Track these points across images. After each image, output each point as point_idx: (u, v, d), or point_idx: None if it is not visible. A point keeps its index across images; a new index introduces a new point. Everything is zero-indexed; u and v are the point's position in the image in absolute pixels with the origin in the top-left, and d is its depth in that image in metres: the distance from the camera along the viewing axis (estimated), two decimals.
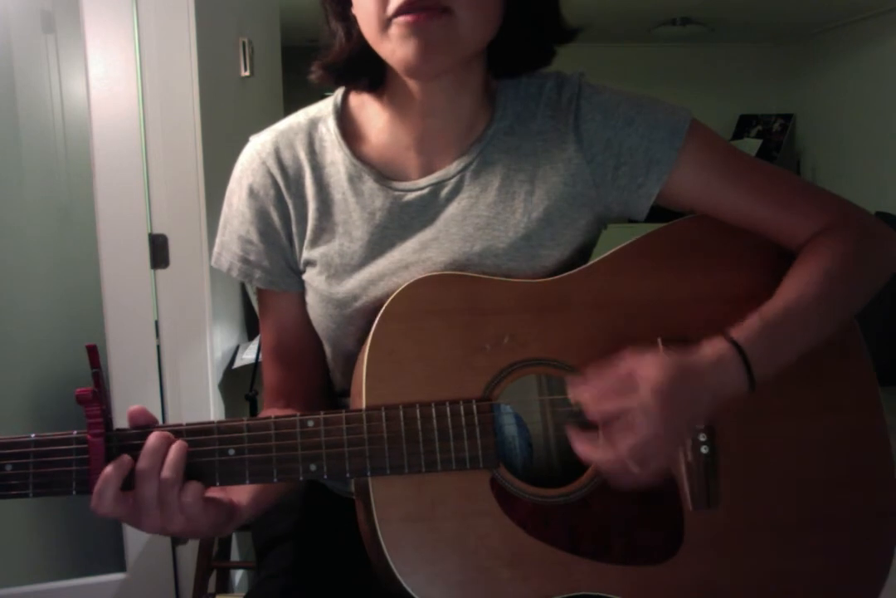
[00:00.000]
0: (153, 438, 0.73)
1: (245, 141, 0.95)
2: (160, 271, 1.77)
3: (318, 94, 0.99)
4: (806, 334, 0.82)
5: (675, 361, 0.76)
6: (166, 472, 0.72)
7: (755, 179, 0.88)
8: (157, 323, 1.79)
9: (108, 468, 0.72)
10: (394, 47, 0.78)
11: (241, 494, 0.82)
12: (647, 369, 0.75)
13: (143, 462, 0.72)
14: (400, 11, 0.76)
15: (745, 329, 0.79)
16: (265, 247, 0.91)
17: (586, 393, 0.76)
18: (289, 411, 0.93)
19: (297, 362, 0.96)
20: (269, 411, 0.95)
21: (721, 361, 0.77)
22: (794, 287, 0.83)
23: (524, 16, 0.83)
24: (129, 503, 0.73)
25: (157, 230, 1.75)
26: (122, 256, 1.73)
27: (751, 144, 5.37)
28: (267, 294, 0.95)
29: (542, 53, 0.88)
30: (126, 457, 0.73)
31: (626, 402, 0.74)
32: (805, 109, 5.39)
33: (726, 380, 0.77)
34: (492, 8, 0.80)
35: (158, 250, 1.75)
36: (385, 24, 0.77)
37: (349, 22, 0.84)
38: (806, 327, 0.81)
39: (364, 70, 0.86)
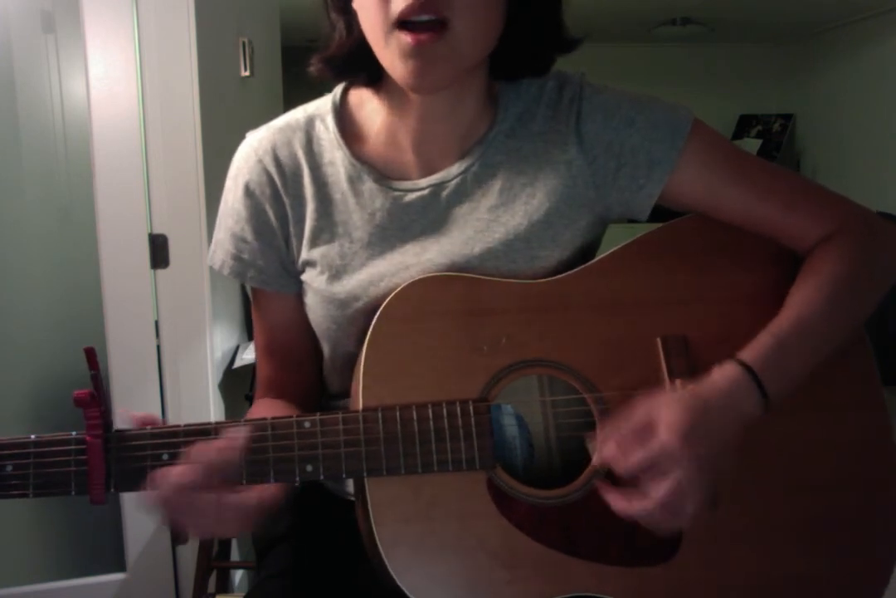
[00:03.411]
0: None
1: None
2: (160, 271, 1.77)
3: (318, 95, 0.98)
4: (819, 346, 0.81)
5: (690, 399, 0.75)
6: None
7: (758, 178, 0.87)
8: (157, 323, 1.79)
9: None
10: (393, 61, 0.77)
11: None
12: (664, 412, 0.74)
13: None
14: (403, 17, 0.74)
15: (757, 348, 0.78)
16: (260, 246, 0.91)
17: (610, 452, 0.74)
18: (280, 403, 0.93)
19: (288, 360, 0.96)
20: (261, 402, 0.95)
21: (734, 387, 0.76)
22: (804, 300, 0.81)
23: (525, 25, 0.83)
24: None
25: (157, 230, 1.75)
26: (122, 256, 1.73)
27: (751, 144, 5.36)
28: (260, 293, 0.95)
29: (541, 62, 0.87)
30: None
31: (650, 451, 0.72)
32: (805, 109, 5.38)
33: (742, 406, 0.76)
34: (493, 17, 0.79)
35: (158, 250, 1.75)
36: (388, 30, 0.76)
37: (350, 15, 0.83)
38: (819, 339, 0.80)
39: (363, 65, 0.85)
